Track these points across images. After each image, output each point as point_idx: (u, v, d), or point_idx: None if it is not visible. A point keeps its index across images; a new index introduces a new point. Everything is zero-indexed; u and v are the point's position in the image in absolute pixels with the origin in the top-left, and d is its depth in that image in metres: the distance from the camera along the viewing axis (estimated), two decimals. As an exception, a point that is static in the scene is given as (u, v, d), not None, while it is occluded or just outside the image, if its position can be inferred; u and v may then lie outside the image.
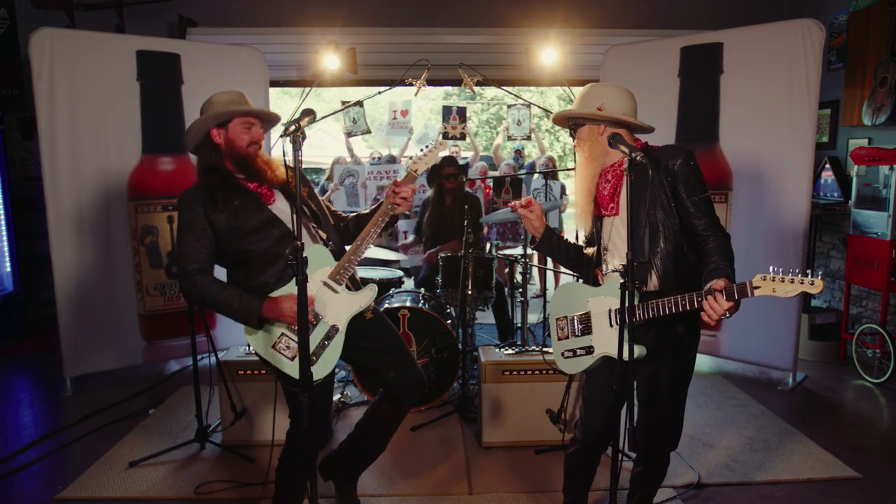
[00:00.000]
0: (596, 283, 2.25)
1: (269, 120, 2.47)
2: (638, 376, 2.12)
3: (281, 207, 2.36)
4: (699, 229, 2.08)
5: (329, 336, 2.28)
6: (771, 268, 1.84)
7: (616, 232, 2.15)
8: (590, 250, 2.31)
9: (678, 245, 2.10)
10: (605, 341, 2.12)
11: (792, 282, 1.79)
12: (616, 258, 2.16)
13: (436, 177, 4.87)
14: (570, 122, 2.23)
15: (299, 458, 2.35)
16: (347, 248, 2.41)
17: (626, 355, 1.96)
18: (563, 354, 2.26)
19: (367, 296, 2.34)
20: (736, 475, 3.02)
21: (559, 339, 2.27)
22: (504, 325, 4.69)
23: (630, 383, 1.98)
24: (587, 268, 2.32)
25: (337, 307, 2.28)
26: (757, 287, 1.84)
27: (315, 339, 2.24)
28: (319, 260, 2.30)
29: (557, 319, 2.28)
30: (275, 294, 2.26)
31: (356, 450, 2.60)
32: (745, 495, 2.87)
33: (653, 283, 2.11)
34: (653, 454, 2.28)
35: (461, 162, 7.69)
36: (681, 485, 2.92)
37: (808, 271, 1.80)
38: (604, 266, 2.21)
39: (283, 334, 2.25)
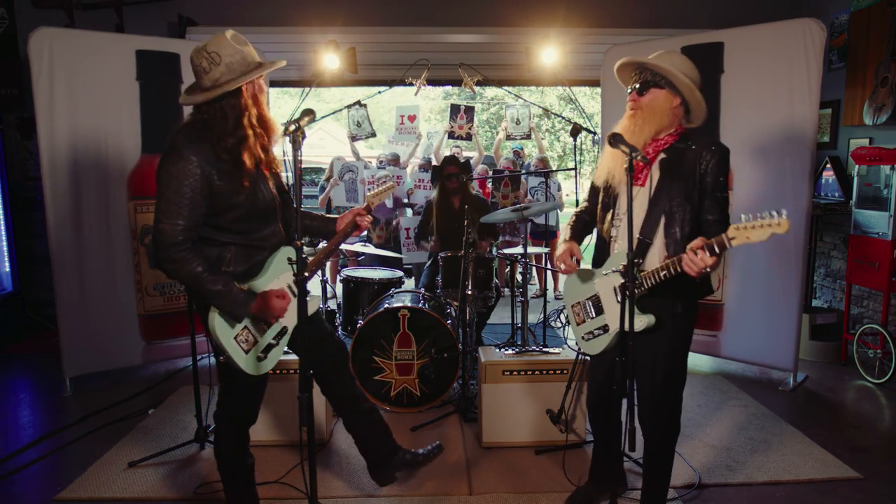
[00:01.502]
0: (603, 253, 2.33)
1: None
2: (638, 351, 2.15)
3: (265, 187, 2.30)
4: (709, 222, 2.13)
5: (280, 335, 2.31)
6: (742, 216, 1.89)
7: (637, 203, 2.15)
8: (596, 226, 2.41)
9: (690, 231, 2.14)
10: (617, 317, 2.15)
11: (762, 227, 1.83)
12: (625, 228, 2.18)
13: (438, 177, 4.84)
14: (646, 77, 2.18)
15: (225, 448, 2.38)
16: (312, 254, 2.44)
17: (623, 347, 2.00)
18: (583, 338, 2.40)
19: (313, 305, 2.38)
20: (736, 475, 3.01)
21: (577, 324, 2.41)
22: (480, 326, 4.65)
23: (631, 372, 2.02)
24: (590, 229, 2.46)
25: (290, 310, 2.28)
26: (732, 238, 1.89)
27: (268, 337, 2.27)
28: (286, 258, 2.31)
29: (573, 306, 2.41)
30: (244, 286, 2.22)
31: (369, 440, 2.70)
32: (745, 496, 2.86)
33: (659, 262, 2.16)
34: (653, 442, 2.33)
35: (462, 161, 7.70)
36: (681, 485, 2.91)
37: (774, 212, 1.82)
38: (613, 231, 2.26)
39: (245, 327, 2.22)
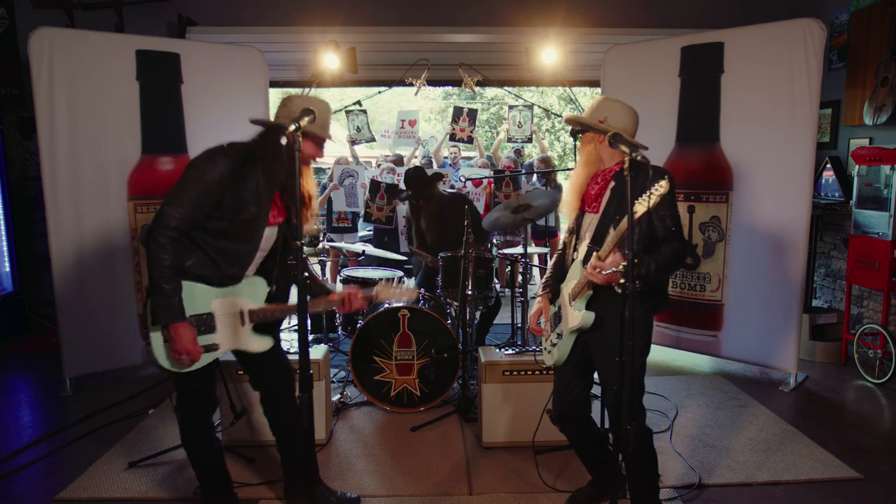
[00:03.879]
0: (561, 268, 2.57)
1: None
2: (595, 345, 2.41)
3: (271, 230, 2.42)
4: (660, 238, 2.33)
5: (209, 348, 2.33)
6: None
7: (591, 228, 2.41)
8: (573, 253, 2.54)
9: (641, 246, 2.32)
10: (568, 318, 2.43)
11: (648, 197, 2.03)
12: (584, 243, 2.44)
13: (407, 199, 4.76)
14: (577, 127, 2.50)
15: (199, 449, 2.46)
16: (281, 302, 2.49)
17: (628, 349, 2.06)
18: (546, 349, 2.61)
19: (261, 345, 2.44)
20: (737, 476, 3.01)
21: (545, 337, 2.62)
22: (485, 327, 4.65)
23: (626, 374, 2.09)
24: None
25: (231, 335, 2.37)
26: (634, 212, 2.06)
27: (201, 340, 2.30)
28: (254, 291, 2.41)
29: (545, 323, 2.62)
30: (191, 283, 2.29)
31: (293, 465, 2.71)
32: (745, 496, 2.86)
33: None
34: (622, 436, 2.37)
35: (461, 163, 7.67)
36: (681, 485, 2.91)
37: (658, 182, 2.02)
38: (574, 253, 2.49)
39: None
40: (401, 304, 3.79)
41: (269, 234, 2.41)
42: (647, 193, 2.02)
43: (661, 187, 2.01)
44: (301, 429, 2.60)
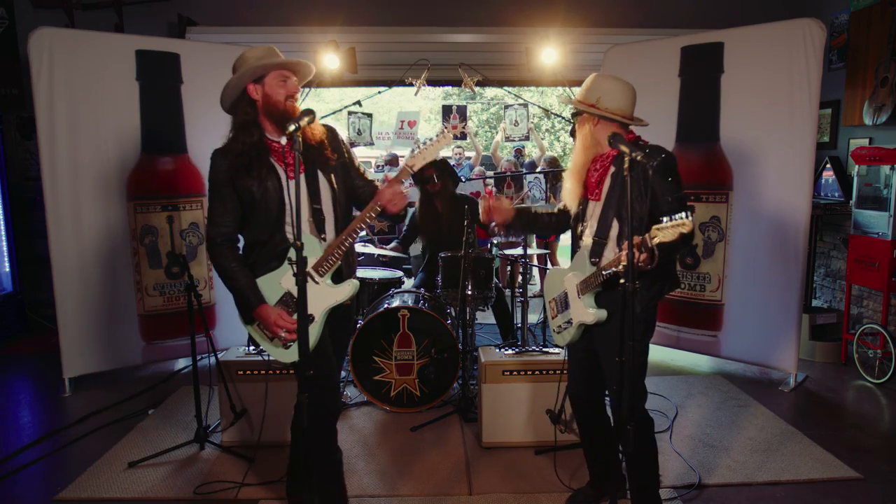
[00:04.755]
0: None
1: (304, 73, 2.40)
2: (598, 337, 2.41)
3: (302, 182, 2.28)
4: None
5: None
6: (664, 219, 2.02)
7: (594, 217, 2.38)
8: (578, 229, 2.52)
9: (641, 233, 2.25)
10: (578, 311, 2.42)
11: (672, 227, 1.98)
12: (590, 231, 2.41)
13: (419, 181, 4.61)
14: (571, 110, 2.44)
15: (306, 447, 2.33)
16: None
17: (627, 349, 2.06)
18: (555, 330, 2.58)
19: (346, 291, 2.34)
20: (737, 475, 3.01)
21: (552, 317, 2.60)
22: (505, 324, 4.67)
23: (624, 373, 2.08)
24: (566, 224, 2.59)
25: (314, 298, 2.26)
26: (653, 237, 2.03)
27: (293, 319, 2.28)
28: (311, 249, 2.29)
29: (549, 302, 2.60)
30: (261, 278, 2.31)
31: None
32: (745, 496, 2.86)
33: (613, 260, 2.28)
34: (622, 429, 2.35)
35: (464, 163, 7.68)
36: (681, 485, 2.91)
37: (683, 213, 1.98)
38: (580, 241, 2.45)
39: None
40: (401, 304, 3.79)
41: (303, 190, 2.28)
42: (667, 222, 1.97)
43: (684, 226, 1.95)
44: (328, 428, 2.56)
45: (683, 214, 1.96)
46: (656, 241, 2.02)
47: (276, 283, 2.31)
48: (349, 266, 2.43)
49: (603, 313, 2.33)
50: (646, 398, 2.46)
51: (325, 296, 2.31)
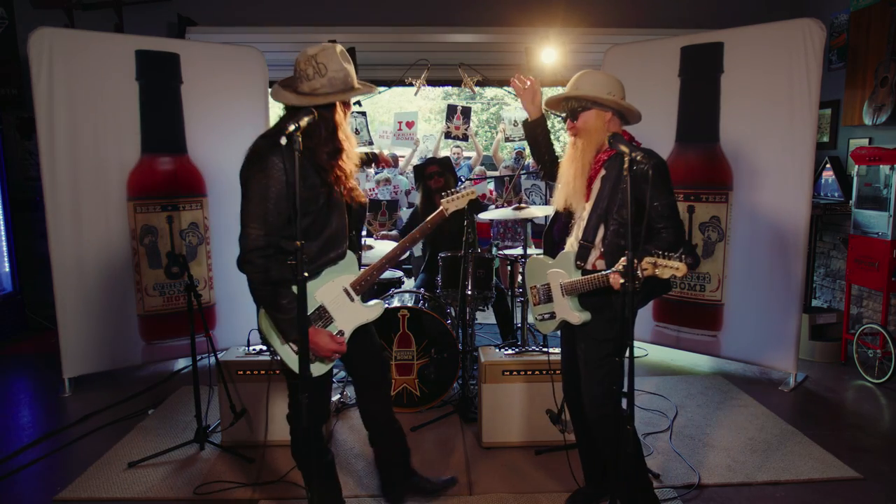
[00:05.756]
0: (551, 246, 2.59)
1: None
2: (579, 334, 2.43)
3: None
4: (657, 230, 2.28)
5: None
6: (658, 252, 2.05)
7: (583, 218, 2.39)
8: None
9: (623, 234, 2.27)
10: (561, 308, 2.45)
11: (666, 266, 2.01)
12: (576, 231, 2.44)
13: (420, 177, 4.66)
14: (572, 105, 2.34)
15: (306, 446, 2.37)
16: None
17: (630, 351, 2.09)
18: (538, 318, 2.60)
19: (376, 311, 2.42)
20: (736, 475, 3.01)
21: (534, 304, 2.61)
22: (505, 323, 4.66)
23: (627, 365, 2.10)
24: (552, 175, 2.57)
25: (348, 314, 2.35)
26: (645, 269, 2.05)
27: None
28: (347, 266, 2.37)
29: (531, 287, 2.61)
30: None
31: (390, 460, 2.73)
32: (745, 495, 2.86)
33: (597, 263, 2.35)
34: (589, 421, 2.44)
35: (462, 163, 7.67)
36: (681, 485, 2.91)
37: (682, 255, 2.01)
38: (569, 238, 2.46)
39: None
40: (401, 304, 3.79)
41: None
42: (665, 260, 1.99)
43: (678, 271, 1.97)
44: (396, 421, 2.67)
45: (681, 258, 1.98)
46: (647, 273, 2.03)
47: (310, 297, 2.28)
48: (371, 286, 2.52)
49: (587, 315, 2.37)
50: (619, 400, 2.34)
51: (357, 314, 2.38)
